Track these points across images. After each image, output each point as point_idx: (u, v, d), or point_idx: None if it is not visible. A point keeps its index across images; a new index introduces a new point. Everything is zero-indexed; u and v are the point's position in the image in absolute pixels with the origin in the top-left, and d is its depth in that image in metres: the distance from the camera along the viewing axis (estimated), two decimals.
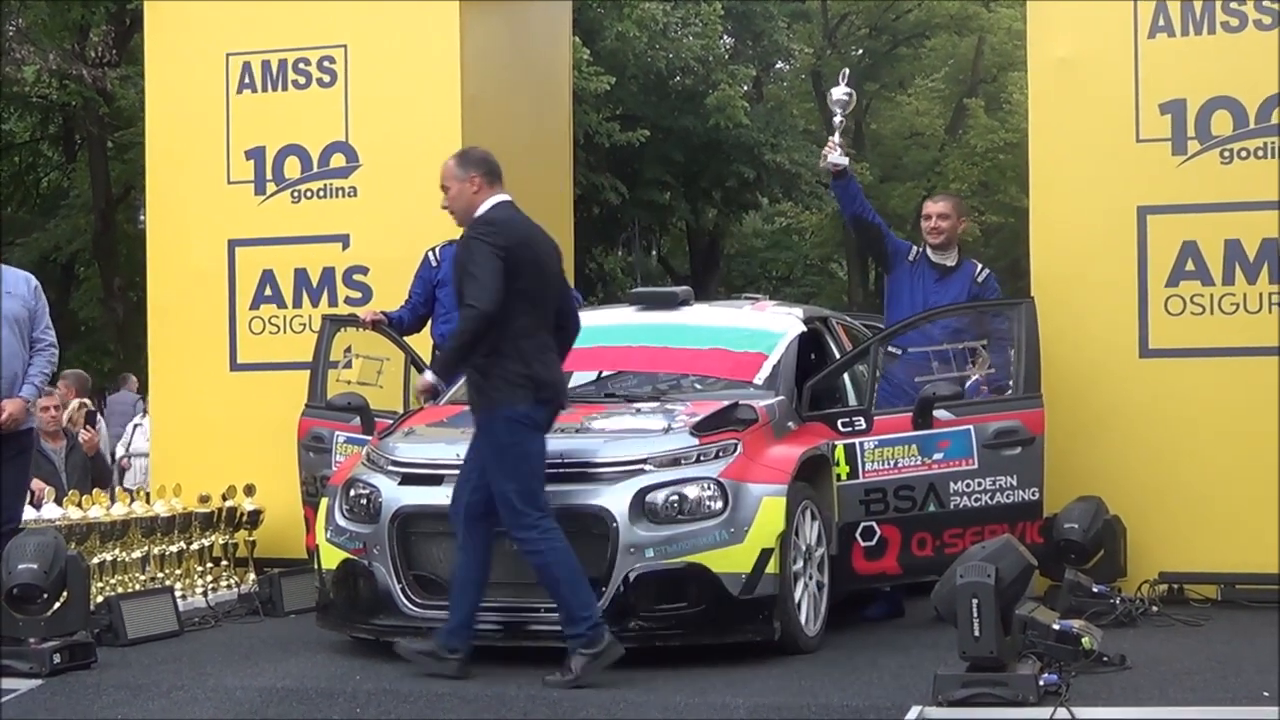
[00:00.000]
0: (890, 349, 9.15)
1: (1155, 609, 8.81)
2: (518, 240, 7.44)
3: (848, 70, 10.25)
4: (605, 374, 9.24)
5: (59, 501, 9.18)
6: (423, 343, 10.00)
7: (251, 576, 10.02)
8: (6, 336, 8.47)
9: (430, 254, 9.98)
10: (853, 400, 9.04)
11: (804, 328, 9.06)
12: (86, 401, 14.11)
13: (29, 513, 8.90)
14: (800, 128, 33.75)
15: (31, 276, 8.82)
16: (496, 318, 7.23)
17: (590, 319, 9.64)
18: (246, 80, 11.12)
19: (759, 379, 8.51)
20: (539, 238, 7.64)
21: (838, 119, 9.90)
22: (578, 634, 7.18)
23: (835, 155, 9.63)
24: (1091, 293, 9.61)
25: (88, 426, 13.23)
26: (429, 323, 10.01)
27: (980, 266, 9.66)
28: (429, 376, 7.69)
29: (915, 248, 9.69)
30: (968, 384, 9.11)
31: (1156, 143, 9.55)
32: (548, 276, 7.56)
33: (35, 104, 29.04)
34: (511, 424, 7.33)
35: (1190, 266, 9.45)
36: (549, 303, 7.53)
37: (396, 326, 9.87)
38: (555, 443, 7.80)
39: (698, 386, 8.78)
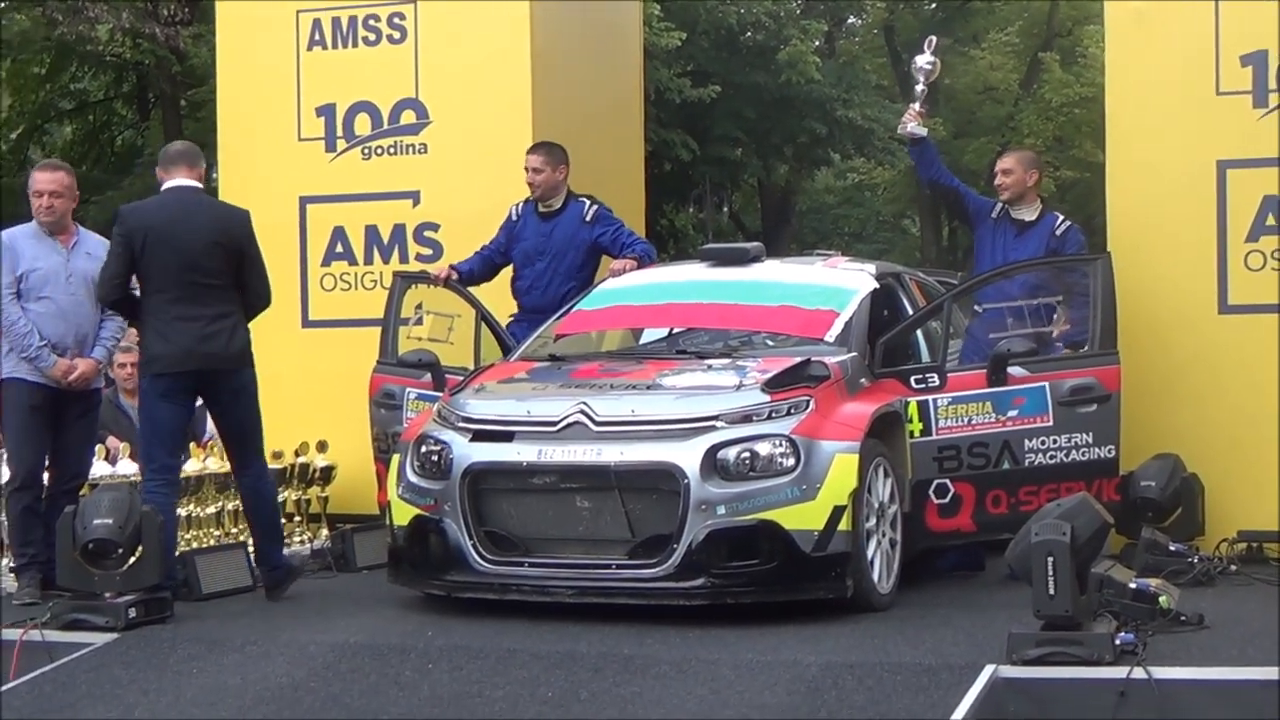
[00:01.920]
0: (975, 307, 9.09)
1: (1234, 568, 8.72)
2: (140, 225, 8.17)
3: (934, 38, 10.17)
4: (676, 330, 9.22)
5: (135, 457, 9.24)
6: (492, 299, 9.99)
7: (324, 532, 10.08)
8: (81, 295, 8.56)
9: (513, 209, 9.99)
10: (926, 357, 8.97)
11: (876, 284, 8.98)
12: None
13: (104, 468, 8.97)
14: (873, 83, 33.51)
15: (109, 242, 8.88)
16: (110, 304, 8.47)
17: (661, 275, 9.70)
18: (317, 37, 11.13)
19: (830, 336, 8.44)
20: (165, 215, 8.23)
21: (919, 87, 9.83)
22: None
23: (913, 125, 9.68)
24: (1169, 248, 9.48)
25: None
26: (497, 273, 10.05)
27: (1061, 219, 9.53)
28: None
29: (998, 204, 9.61)
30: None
31: (1237, 95, 9.39)
32: (181, 253, 8.11)
33: (109, 63, 29.19)
34: (143, 394, 8.42)
35: (1271, 221, 9.30)
36: (181, 272, 8.10)
37: (466, 278, 9.88)
38: (627, 399, 7.82)
39: (769, 343, 8.73)
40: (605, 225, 9.88)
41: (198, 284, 8.16)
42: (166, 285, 8.14)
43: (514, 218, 9.99)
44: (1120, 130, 9.77)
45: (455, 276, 9.85)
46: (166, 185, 8.36)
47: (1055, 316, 9.05)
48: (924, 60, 9.85)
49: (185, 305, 8.13)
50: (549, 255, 9.86)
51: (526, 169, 9.88)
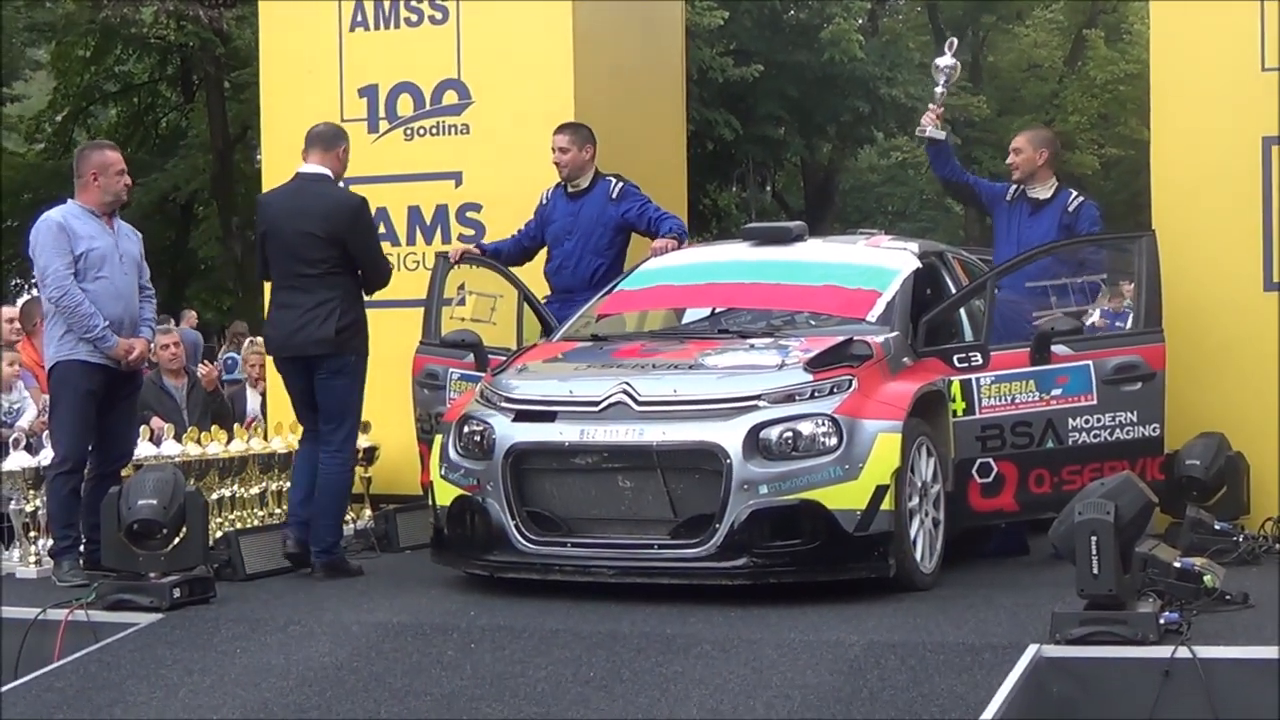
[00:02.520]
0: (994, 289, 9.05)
1: (1279, 546, 8.66)
2: (262, 216, 8.83)
3: (954, 40, 10.12)
4: (718, 310, 9.20)
5: (179, 438, 9.30)
6: (532, 278, 9.99)
7: (367, 512, 10.10)
8: (132, 275, 8.64)
9: (544, 193, 10.05)
10: (970, 336, 8.93)
11: (919, 264, 8.94)
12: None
13: (149, 449, 9.02)
14: (916, 61, 33.35)
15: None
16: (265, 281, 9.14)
17: (703, 255, 9.70)
18: (359, 18, 11.14)
19: (872, 316, 8.41)
20: (280, 205, 8.78)
21: (939, 89, 9.77)
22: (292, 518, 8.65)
23: (932, 129, 9.69)
24: (1214, 225, 9.42)
25: (205, 361, 13.37)
26: (530, 257, 10.12)
27: (1074, 196, 9.49)
28: None
29: (1013, 187, 9.59)
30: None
31: None
32: (275, 239, 8.66)
33: (153, 45, 29.34)
34: None
35: None
36: (284, 262, 8.62)
37: (492, 255, 9.92)
38: (669, 378, 7.81)
39: (811, 322, 8.71)
40: (632, 201, 9.88)
41: (300, 273, 8.57)
42: (278, 273, 8.71)
43: (544, 201, 10.03)
44: (1165, 107, 9.70)
45: (476, 251, 9.88)
46: (298, 169, 8.84)
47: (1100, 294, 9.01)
48: (944, 62, 9.82)
49: (289, 293, 8.63)
50: (577, 234, 9.89)
51: (553, 149, 9.90)
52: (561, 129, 9.95)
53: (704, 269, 9.36)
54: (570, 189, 9.95)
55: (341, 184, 9.03)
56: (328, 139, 8.82)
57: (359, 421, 8.93)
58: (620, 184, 9.92)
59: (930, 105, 9.90)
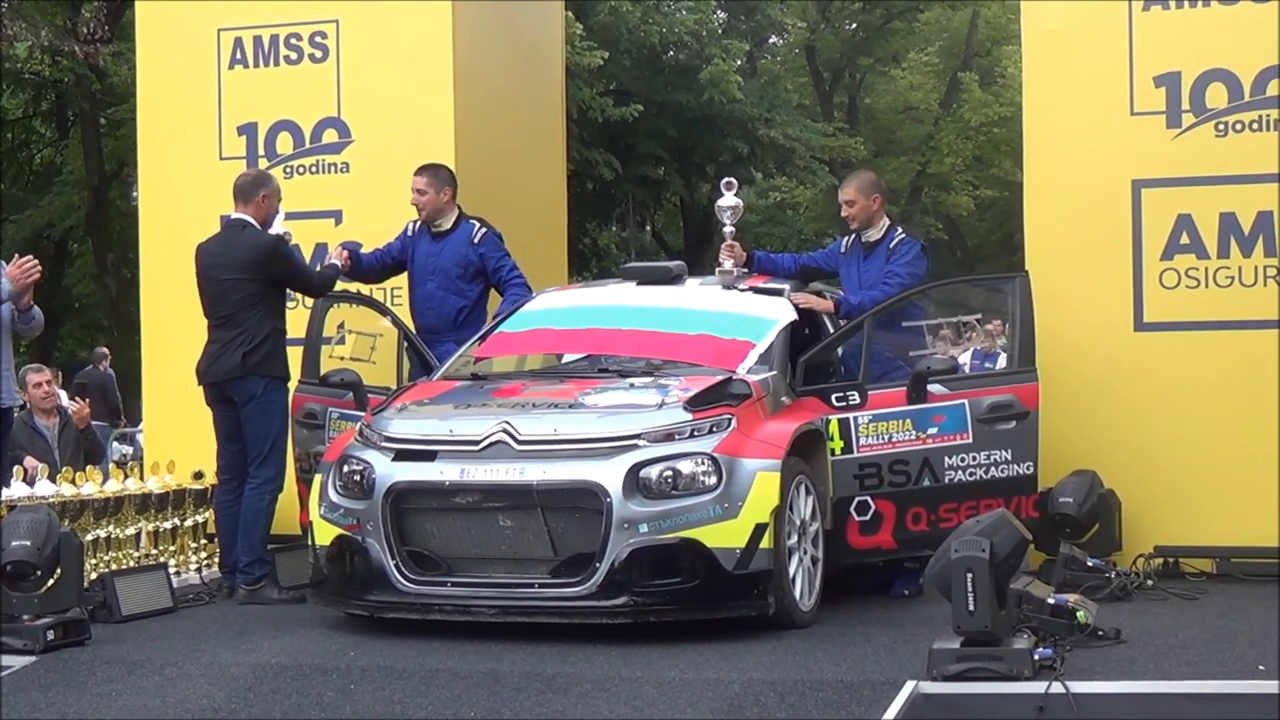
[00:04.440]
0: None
1: (1150, 583, 8.80)
2: (197, 262, 9.33)
3: (734, 180, 10.13)
4: None
5: (53, 478, 9.17)
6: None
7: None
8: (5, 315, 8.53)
9: (410, 224, 10.09)
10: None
11: (795, 315, 8.95)
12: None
13: (23, 490, 8.89)
14: (794, 102, 33.70)
15: None
16: None
17: (583, 297, 9.71)
18: (238, 56, 11.08)
19: (743, 369, 8.33)
20: (208, 251, 9.33)
21: (727, 228, 9.76)
22: None
23: (727, 266, 9.55)
24: (1086, 266, 9.60)
25: (76, 399, 13.19)
26: (383, 277, 10.20)
27: (899, 233, 9.47)
28: None
29: (845, 238, 9.72)
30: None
31: (1151, 115, 9.53)
32: (206, 283, 9.25)
33: (27, 80, 29.02)
34: None
35: (1185, 240, 9.44)
36: (212, 303, 9.22)
37: (354, 261, 9.97)
38: (549, 418, 7.82)
39: (690, 362, 8.74)
40: (490, 249, 9.90)
41: (222, 312, 9.15)
42: (208, 313, 9.26)
43: (409, 233, 10.05)
44: (1038, 150, 9.88)
45: (348, 257, 9.90)
46: (224, 217, 9.49)
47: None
48: (726, 203, 9.76)
49: (215, 329, 9.21)
50: (439, 274, 9.91)
51: (412, 190, 9.91)
52: (421, 170, 9.96)
53: (583, 313, 9.37)
54: (433, 229, 9.97)
55: None
56: (245, 190, 9.26)
57: (284, 453, 9.16)
58: (484, 230, 9.93)
59: (724, 244, 9.83)
